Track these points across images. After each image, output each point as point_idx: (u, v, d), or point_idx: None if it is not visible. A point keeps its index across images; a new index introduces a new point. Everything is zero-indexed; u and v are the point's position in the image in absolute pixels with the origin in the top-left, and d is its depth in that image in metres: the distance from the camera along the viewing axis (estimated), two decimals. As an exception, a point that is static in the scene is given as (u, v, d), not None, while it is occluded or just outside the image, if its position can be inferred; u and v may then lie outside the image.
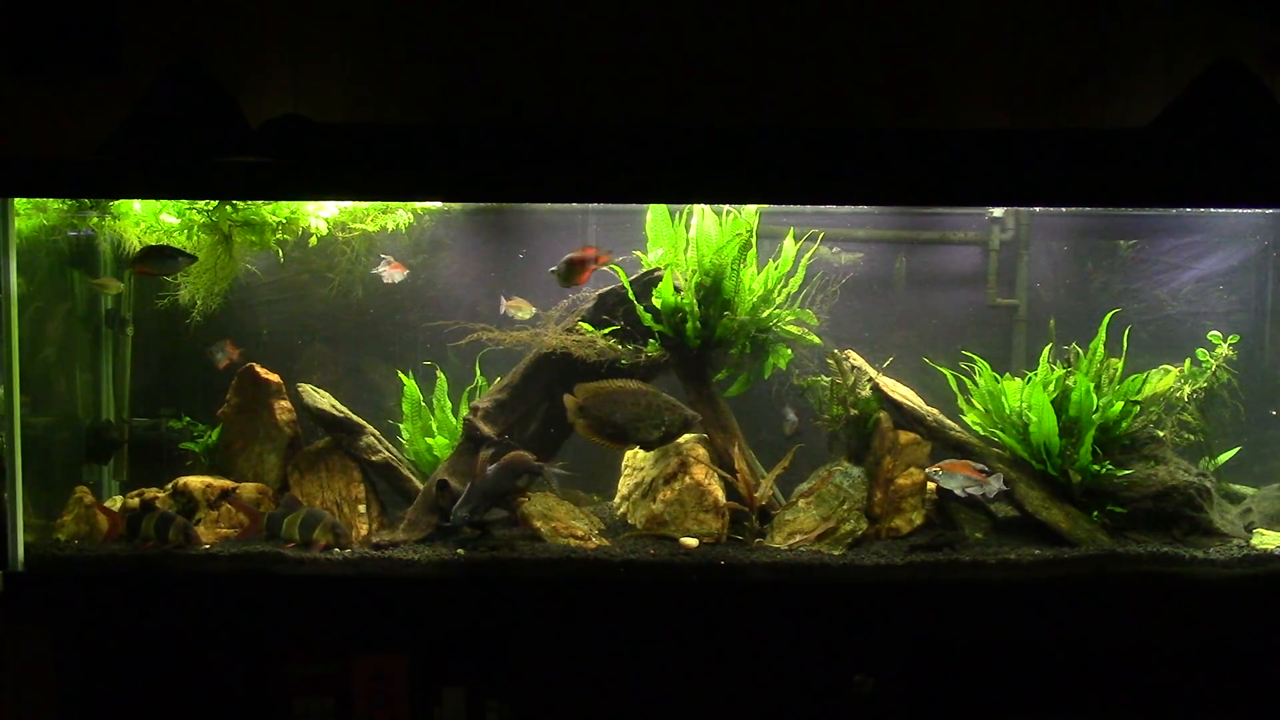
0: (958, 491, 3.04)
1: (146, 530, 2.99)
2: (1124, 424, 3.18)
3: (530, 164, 2.93)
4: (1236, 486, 3.39)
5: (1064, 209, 3.51)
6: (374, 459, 3.27)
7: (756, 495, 3.16)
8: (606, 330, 3.24)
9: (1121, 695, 2.96)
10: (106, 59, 3.52)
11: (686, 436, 3.36)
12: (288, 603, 2.89)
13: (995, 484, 3.00)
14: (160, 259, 3.20)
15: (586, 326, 3.24)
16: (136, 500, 3.11)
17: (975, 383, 3.28)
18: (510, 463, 3.04)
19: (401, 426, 3.43)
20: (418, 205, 3.43)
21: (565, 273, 3.12)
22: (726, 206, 3.24)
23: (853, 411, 3.30)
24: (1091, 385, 3.13)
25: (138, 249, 3.27)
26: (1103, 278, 3.57)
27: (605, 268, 3.15)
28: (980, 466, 3.03)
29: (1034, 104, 3.56)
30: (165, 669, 3.01)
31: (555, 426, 3.35)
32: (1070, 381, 3.17)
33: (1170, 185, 2.83)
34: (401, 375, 3.43)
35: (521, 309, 3.34)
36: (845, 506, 3.10)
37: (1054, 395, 3.16)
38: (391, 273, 3.41)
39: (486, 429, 3.20)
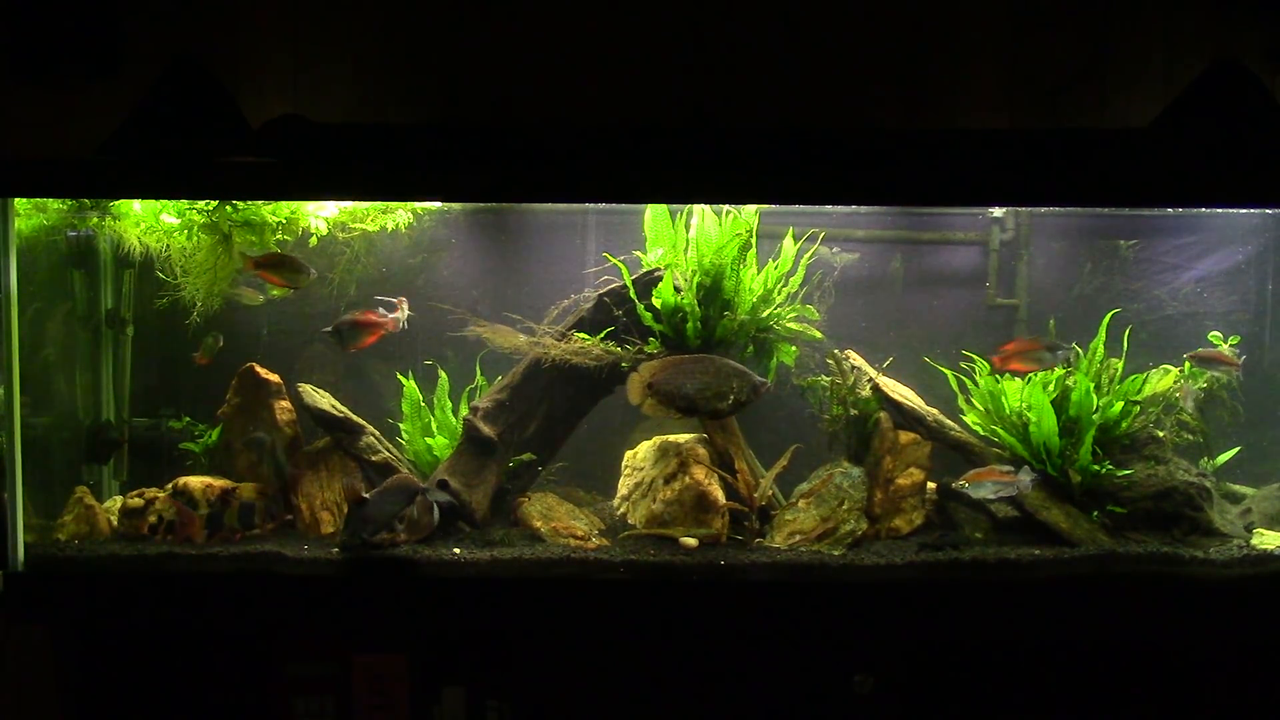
0: (990, 497, 3.03)
1: (230, 521, 3.02)
2: (1124, 424, 3.18)
3: (530, 164, 2.93)
4: (1236, 486, 3.40)
5: (1064, 209, 3.51)
6: (374, 459, 3.27)
7: (756, 495, 3.16)
8: (602, 334, 3.24)
9: (1122, 695, 2.96)
10: (106, 59, 3.52)
11: (687, 436, 3.36)
12: (288, 603, 2.89)
13: (1025, 478, 2.99)
14: (292, 270, 3.18)
15: (582, 335, 3.24)
16: (138, 500, 3.11)
17: (975, 383, 3.29)
18: (393, 487, 3.04)
19: (401, 426, 3.43)
20: (418, 205, 3.44)
21: (345, 334, 3.16)
22: (726, 206, 3.24)
23: (853, 411, 3.30)
24: (1091, 385, 3.13)
25: (259, 251, 3.22)
26: (1103, 278, 3.57)
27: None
28: (1006, 468, 3.02)
29: (1034, 104, 3.56)
30: (165, 669, 3.01)
31: (555, 426, 3.35)
32: (1070, 381, 3.18)
33: (1170, 185, 2.84)
34: (401, 377, 3.43)
35: None
36: (845, 506, 3.10)
37: (1054, 395, 3.16)
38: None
39: (487, 429, 3.20)
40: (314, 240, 3.39)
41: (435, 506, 3.04)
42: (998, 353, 3.20)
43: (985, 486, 3.01)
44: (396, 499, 3.01)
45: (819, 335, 3.41)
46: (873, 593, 2.87)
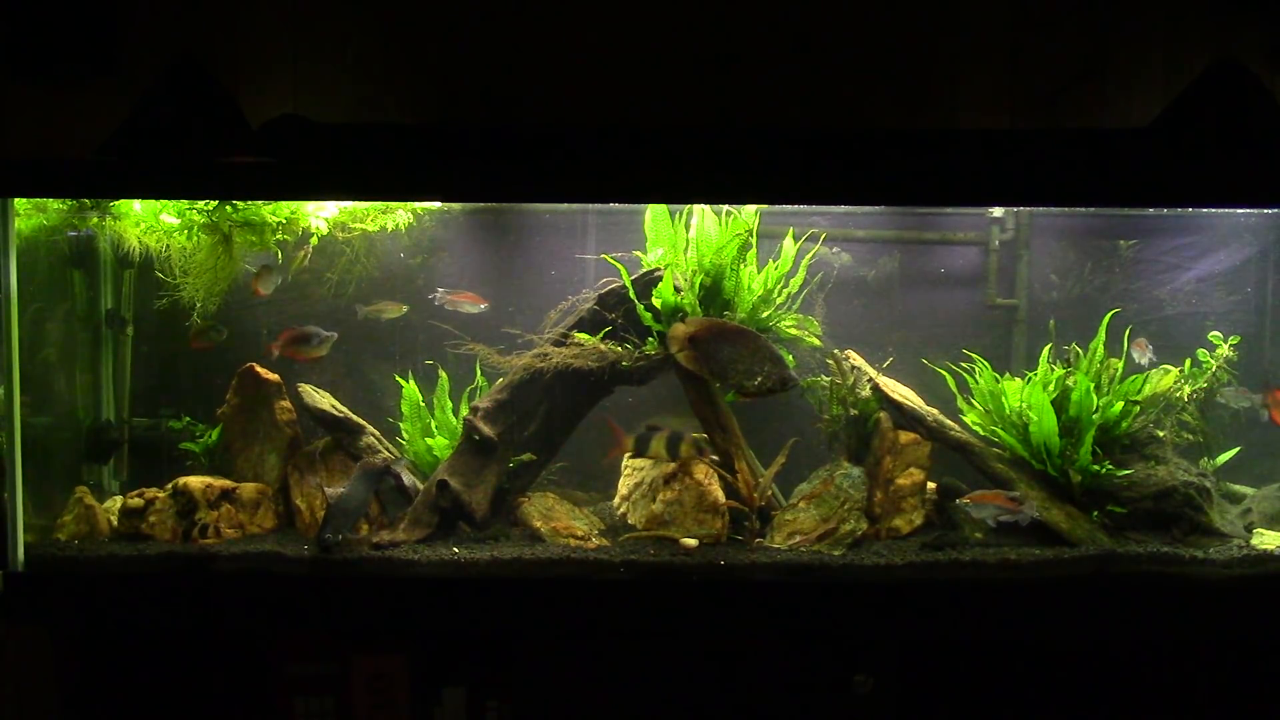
0: (990, 523, 3.02)
1: (657, 450, 3.05)
2: (1124, 424, 3.18)
3: (530, 164, 2.93)
4: (1236, 486, 3.39)
5: (1064, 209, 3.51)
6: (374, 459, 3.26)
7: (756, 495, 3.16)
8: (602, 333, 3.24)
9: (1121, 695, 2.96)
10: (106, 59, 3.52)
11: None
12: (288, 603, 2.89)
13: (1029, 512, 2.97)
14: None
15: (583, 336, 3.24)
16: (138, 500, 3.11)
17: (975, 382, 3.28)
18: (361, 474, 3.07)
19: (401, 426, 3.43)
20: (418, 205, 3.43)
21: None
22: (726, 206, 3.24)
23: (853, 411, 3.30)
24: (1091, 385, 3.13)
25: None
26: (1103, 278, 3.57)
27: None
28: (1013, 495, 3.01)
29: (1034, 104, 3.56)
30: (165, 669, 3.01)
31: (555, 426, 3.35)
32: (1070, 381, 3.18)
33: (1170, 185, 2.84)
34: (400, 380, 3.43)
35: None
36: (845, 506, 3.10)
37: (1054, 395, 3.16)
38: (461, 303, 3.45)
39: (487, 429, 3.20)
40: (314, 240, 3.39)
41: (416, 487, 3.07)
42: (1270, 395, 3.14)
43: (987, 509, 3.00)
44: (362, 488, 3.05)
45: (818, 342, 3.42)
46: (873, 593, 2.87)
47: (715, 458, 3.15)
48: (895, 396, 3.28)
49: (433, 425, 3.40)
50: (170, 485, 3.15)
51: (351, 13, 3.56)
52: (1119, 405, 3.15)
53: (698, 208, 3.27)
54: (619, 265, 3.25)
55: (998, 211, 3.53)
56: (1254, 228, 3.49)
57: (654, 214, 3.32)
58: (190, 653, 3.00)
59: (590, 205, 3.52)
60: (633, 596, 2.88)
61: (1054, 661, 2.96)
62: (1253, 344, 3.42)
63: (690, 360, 3.10)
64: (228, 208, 3.23)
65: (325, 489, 3.07)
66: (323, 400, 3.31)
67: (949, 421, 3.29)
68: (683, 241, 3.30)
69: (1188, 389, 3.30)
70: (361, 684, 2.94)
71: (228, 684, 3.00)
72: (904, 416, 3.27)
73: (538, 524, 3.13)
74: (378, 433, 3.34)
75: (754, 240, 3.24)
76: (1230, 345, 3.31)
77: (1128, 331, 3.26)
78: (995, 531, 3.11)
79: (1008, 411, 3.23)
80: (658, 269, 3.25)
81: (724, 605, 2.86)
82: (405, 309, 3.46)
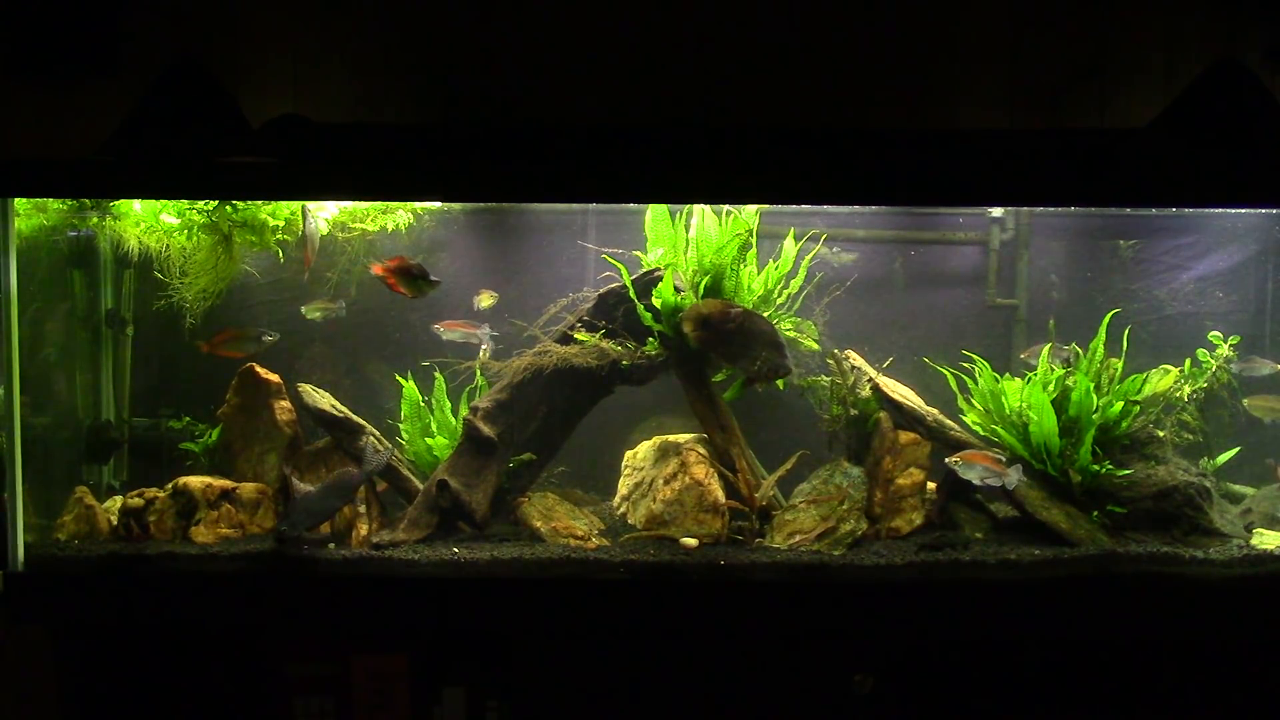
0: (976, 482, 3.02)
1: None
2: (1124, 424, 3.18)
3: (530, 164, 2.93)
4: (1236, 486, 3.40)
5: (1064, 209, 3.51)
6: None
7: (757, 495, 3.16)
8: (600, 332, 3.24)
9: (1121, 695, 2.96)
10: (106, 59, 3.53)
11: (686, 436, 3.36)
12: (288, 603, 2.89)
13: (1015, 474, 2.98)
14: (413, 279, 3.21)
15: (583, 336, 3.24)
16: (138, 500, 3.11)
17: (975, 382, 3.29)
18: (337, 483, 3.07)
19: (401, 427, 3.43)
20: (418, 205, 3.43)
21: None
22: (726, 206, 3.24)
23: (853, 411, 3.30)
24: (1091, 385, 3.13)
25: (390, 260, 3.21)
26: (1103, 278, 3.57)
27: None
28: (999, 456, 3.02)
29: (1034, 104, 3.56)
30: (165, 669, 3.01)
31: (555, 426, 3.35)
32: (1070, 381, 3.18)
33: (1170, 185, 2.84)
34: (400, 379, 3.43)
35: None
36: (845, 506, 3.10)
37: (1054, 395, 3.16)
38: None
39: (487, 429, 3.20)
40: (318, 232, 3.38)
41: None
42: None
43: (975, 469, 3.01)
44: (335, 493, 3.05)
45: (816, 346, 3.42)
46: (873, 593, 2.87)
47: None
48: (895, 396, 3.28)
49: (433, 425, 3.40)
50: (170, 485, 3.15)
51: (351, 13, 3.57)
52: (1119, 405, 3.15)
53: (698, 208, 3.27)
54: (619, 265, 3.25)
55: (998, 211, 3.53)
56: (1254, 228, 3.49)
57: (654, 214, 3.32)
58: (190, 653, 3.00)
59: (590, 205, 3.52)
60: (633, 596, 2.88)
61: (1054, 661, 2.96)
62: (1253, 344, 3.42)
63: (699, 340, 3.12)
64: (228, 208, 3.23)
65: (293, 483, 3.07)
66: (323, 400, 3.31)
67: (949, 421, 3.29)
68: (683, 241, 3.30)
69: (1188, 389, 3.30)
70: (361, 684, 2.94)
71: (228, 684, 3.00)
72: (904, 416, 3.27)
73: (538, 524, 3.12)
74: (378, 433, 3.34)
75: (754, 240, 3.25)
76: (1230, 345, 3.32)
77: (1127, 331, 3.26)
78: (995, 530, 3.11)
79: (1008, 411, 3.23)
80: (658, 269, 3.25)
81: (724, 605, 2.86)
82: (496, 296, 3.48)
